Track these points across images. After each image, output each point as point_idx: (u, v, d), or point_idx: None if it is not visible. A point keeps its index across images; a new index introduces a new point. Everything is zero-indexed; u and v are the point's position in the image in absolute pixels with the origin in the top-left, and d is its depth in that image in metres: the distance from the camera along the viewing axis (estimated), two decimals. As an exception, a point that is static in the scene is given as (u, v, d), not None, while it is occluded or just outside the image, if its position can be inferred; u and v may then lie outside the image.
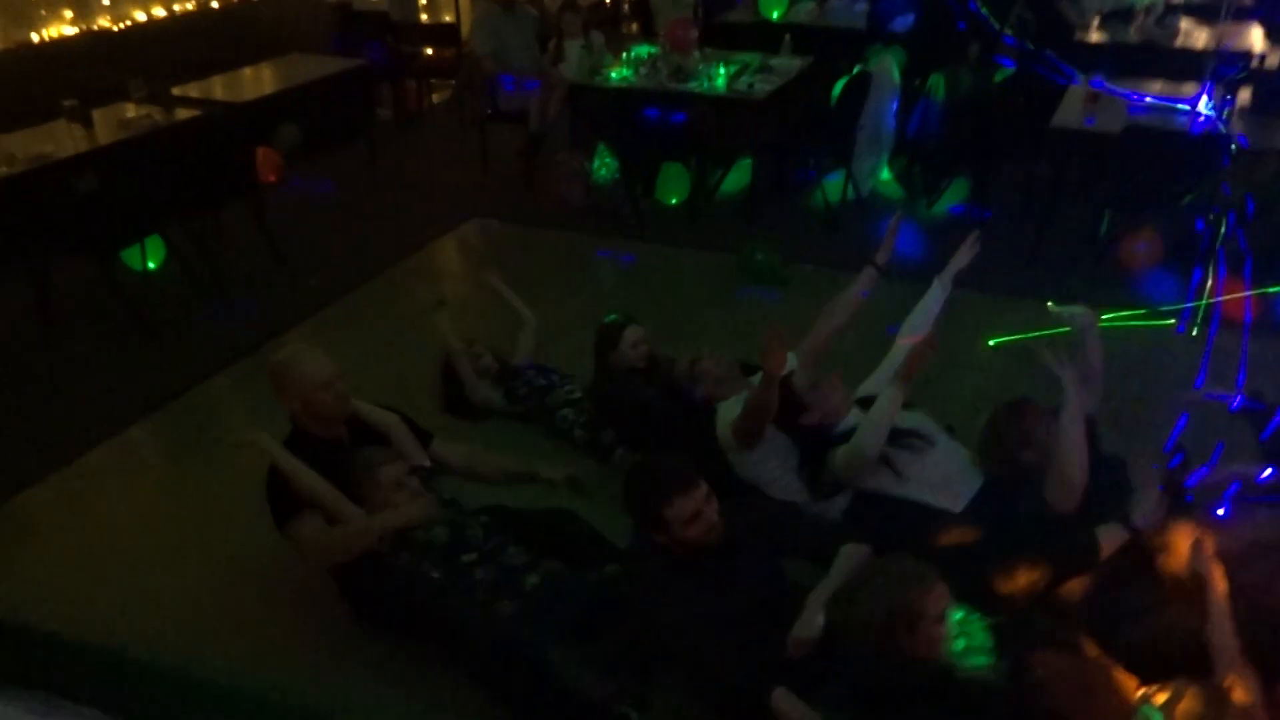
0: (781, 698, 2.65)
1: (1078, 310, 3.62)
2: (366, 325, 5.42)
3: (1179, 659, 2.83)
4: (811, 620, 2.84)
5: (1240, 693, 2.60)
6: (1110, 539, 3.04)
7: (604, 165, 7.12)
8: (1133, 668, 2.79)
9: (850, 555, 3.00)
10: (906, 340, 3.74)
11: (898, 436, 3.48)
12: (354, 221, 6.85)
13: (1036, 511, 3.22)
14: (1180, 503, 3.17)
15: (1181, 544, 3.04)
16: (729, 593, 2.91)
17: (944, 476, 3.46)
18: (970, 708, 2.58)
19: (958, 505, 3.42)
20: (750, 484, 3.69)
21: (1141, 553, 3.08)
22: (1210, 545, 2.91)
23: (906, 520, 3.39)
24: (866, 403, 3.67)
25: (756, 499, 3.62)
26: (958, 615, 2.72)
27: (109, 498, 4.17)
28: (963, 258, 3.92)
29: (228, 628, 3.37)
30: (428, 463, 3.55)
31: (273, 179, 6.87)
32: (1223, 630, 2.79)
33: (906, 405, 3.57)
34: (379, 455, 3.35)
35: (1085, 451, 3.17)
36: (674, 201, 7.04)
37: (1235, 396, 3.56)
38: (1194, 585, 2.92)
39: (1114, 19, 7.94)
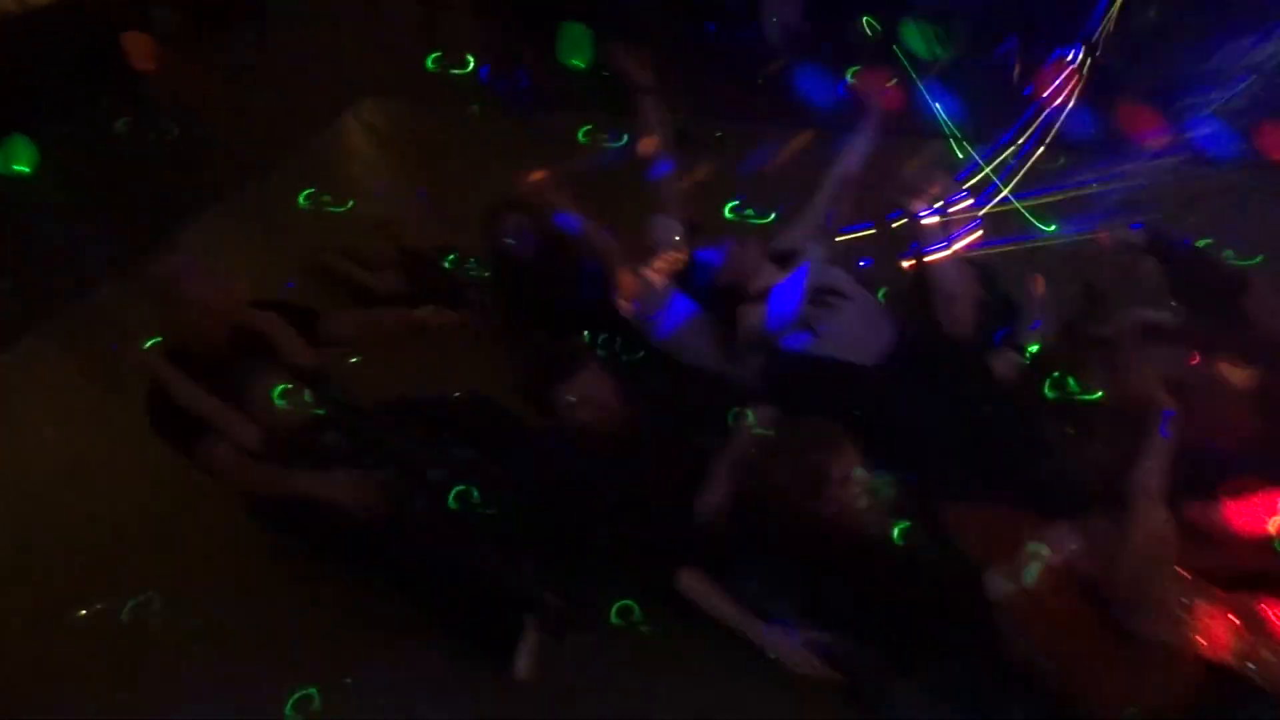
0: (689, 579, 2.59)
1: None
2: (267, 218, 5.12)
3: (1092, 495, 2.82)
4: (715, 486, 2.76)
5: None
6: (1004, 364, 3.10)
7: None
8: (1045, 505, 2.77)
9: (758, 415, 2.91)
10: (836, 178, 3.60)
11: (814, 294, 3.36)
12: (245, 106, 6.43)
13: (932, 336, 3.23)
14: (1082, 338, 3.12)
15: (1137, 374, 3.01)
16: (635, 474, 2.81)
17: (859, 332, 3.36)
18: (881, 565, 2.53)
19: (873, 359, 3.33)
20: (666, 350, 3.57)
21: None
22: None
23: (823, 377, 3.30)
24: (783, 257, 3.54)
25: (668, 369, 3.50)
26: (862, 473, 2.64)
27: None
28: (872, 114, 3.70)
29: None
30: (312, 358, 3.34)
31: (150, 67, 6.39)
32: (1154, 466, 2.76)
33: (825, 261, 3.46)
34: (253, 371, 3.14)
35: (959, 267, 3.18)
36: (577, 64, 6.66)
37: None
38: (1139, 414, 2.90)
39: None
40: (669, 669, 2.73)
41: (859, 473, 2.61)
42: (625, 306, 3.47)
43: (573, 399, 2.76)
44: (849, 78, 3.81)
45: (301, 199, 4.80)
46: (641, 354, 3.48)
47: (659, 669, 2.73)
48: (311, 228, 4.73)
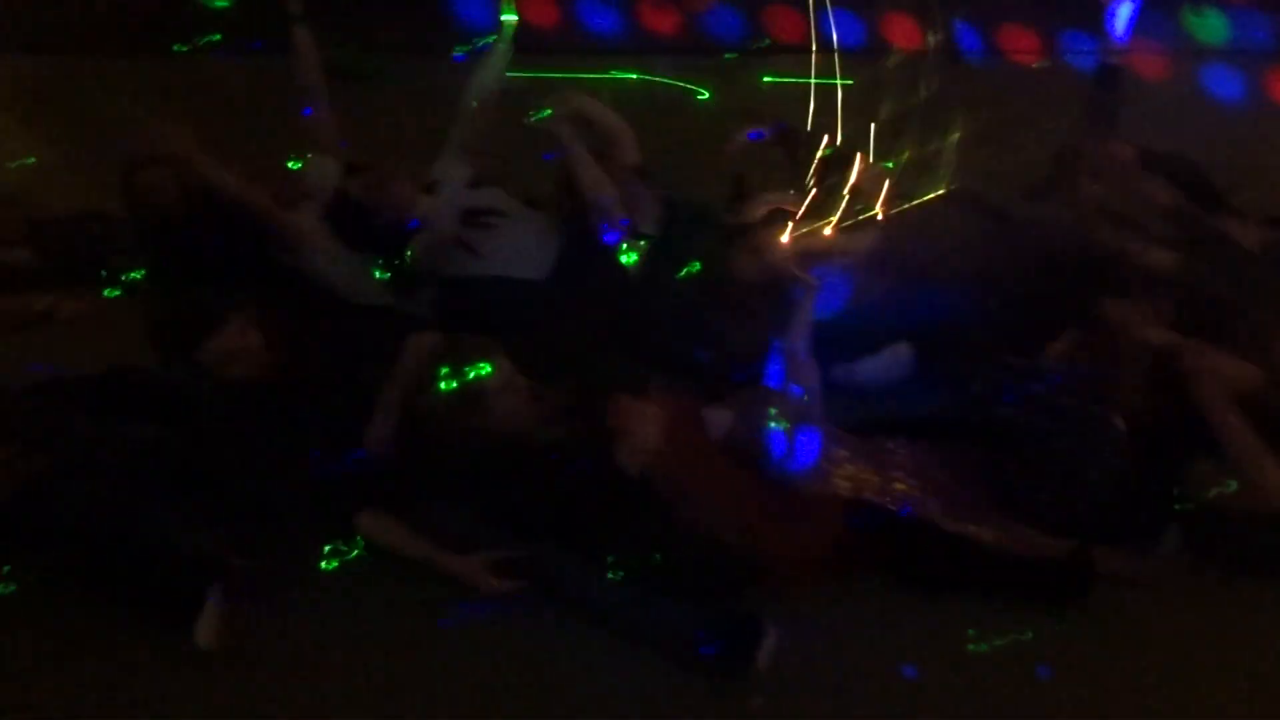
0: (366, 520, 2.59)
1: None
2: None
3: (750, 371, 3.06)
4: (382, 419, 2.75)
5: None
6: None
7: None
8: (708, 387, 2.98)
9: (416, 345, 2.90)
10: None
11: (471, 216, 3.36)
12: None
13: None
14: None
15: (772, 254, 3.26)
16: (307, 421, 2.75)
17: (523, 247, 3.41)
18: (552, 470, 2.62)
19: (542, 272, 3.40)
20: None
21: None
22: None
23: (493, 297, 3.34)
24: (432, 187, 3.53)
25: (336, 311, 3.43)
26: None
27: None
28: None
29: None
30: None
31: None
32: (798, 331, 3.00)
33: (478, 183, 3.46)
34: None
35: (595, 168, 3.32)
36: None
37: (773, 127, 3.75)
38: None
39: None
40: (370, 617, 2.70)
41: (518, 380, 2.67)
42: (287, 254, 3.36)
43: (219, 355, 2.65)
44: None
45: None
46: (306, 299, 3.38)
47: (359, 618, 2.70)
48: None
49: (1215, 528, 2.66)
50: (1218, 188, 3.71)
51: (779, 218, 3.31)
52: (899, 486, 2.80)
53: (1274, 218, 3.61)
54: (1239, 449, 2.58)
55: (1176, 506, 2.67)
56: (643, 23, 6.07)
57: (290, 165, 3.79)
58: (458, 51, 3.53)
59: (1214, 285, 3.03)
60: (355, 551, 2.67)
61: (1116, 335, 2.83)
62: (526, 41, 3.83)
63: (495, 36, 3.63)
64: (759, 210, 3.40)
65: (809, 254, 3.26)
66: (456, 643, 2.56)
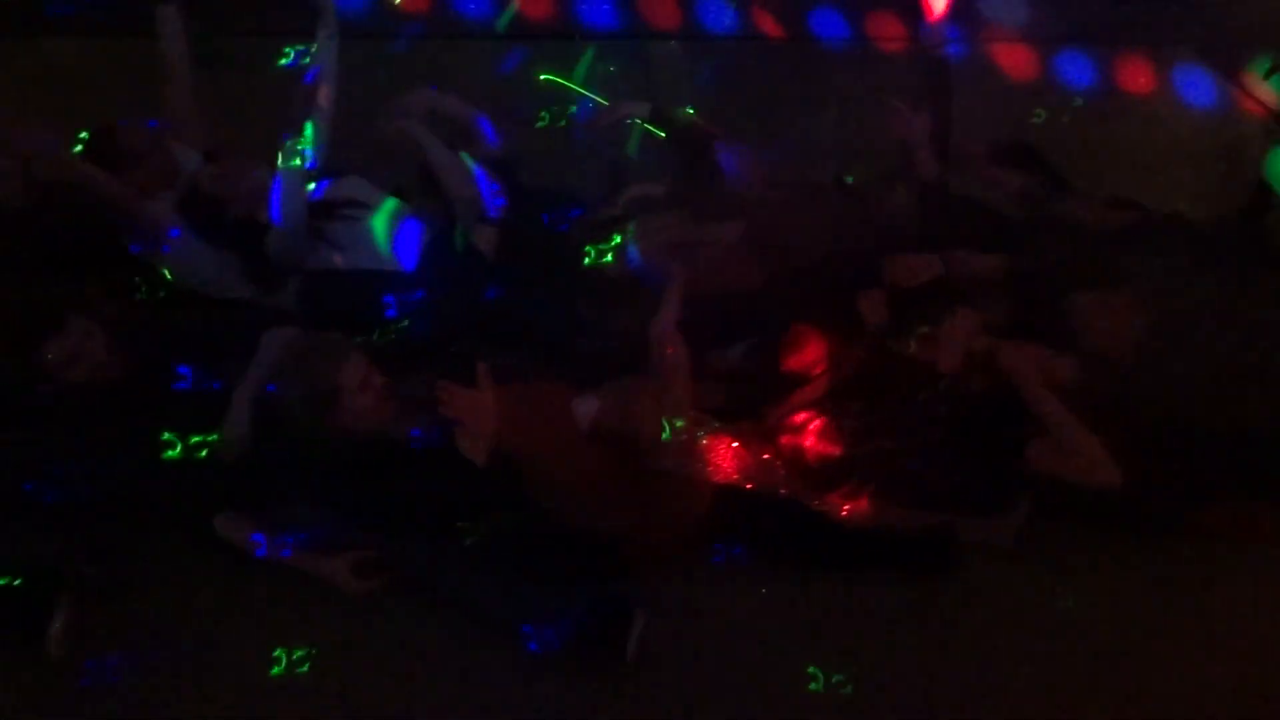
0: (224, 524, 2.52)
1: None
2: None
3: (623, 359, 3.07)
4: (235, 418, 2.68)
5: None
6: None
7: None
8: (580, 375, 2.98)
9: (270, 341, 2.84)
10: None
11: (331, 208, 3.29)
12: None
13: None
14: None
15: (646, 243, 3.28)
16: (149, 421, 2.66)
17: (388, 238, 3.35)
18: (411, 465, 2.60)
19: (409, 263, 3.35)
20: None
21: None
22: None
23: (358, 291, 3.27)
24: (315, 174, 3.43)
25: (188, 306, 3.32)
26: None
27: None
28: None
29: None
30: None
31: None
32: (667, 316, 3.02)
33: (340, 173, 3.39)
34: None
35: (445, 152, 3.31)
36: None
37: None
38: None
39: None
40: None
41: (375, 376, 2.63)
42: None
43: (60, 358, 2.54)
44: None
45: None
46: (161, 294, 3.26)
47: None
48: None
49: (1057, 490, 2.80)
50: (1062, 172, 3.88)
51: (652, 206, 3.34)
52: (769, 468, 2.85)
53: (1119, 199, 3.78)
54: (1061, 433, 2.74)
55: (1022, 474, 2.79)
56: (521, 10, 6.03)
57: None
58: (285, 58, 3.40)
59: (1050, 267, 3.17)
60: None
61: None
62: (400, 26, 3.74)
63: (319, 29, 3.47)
64: (630, 199, 3.41)
65: (678, 243, 3.29)
66: (320, 638, 2.53)
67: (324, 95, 3.42)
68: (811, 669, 2.50)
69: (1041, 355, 2.86)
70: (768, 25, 5.89)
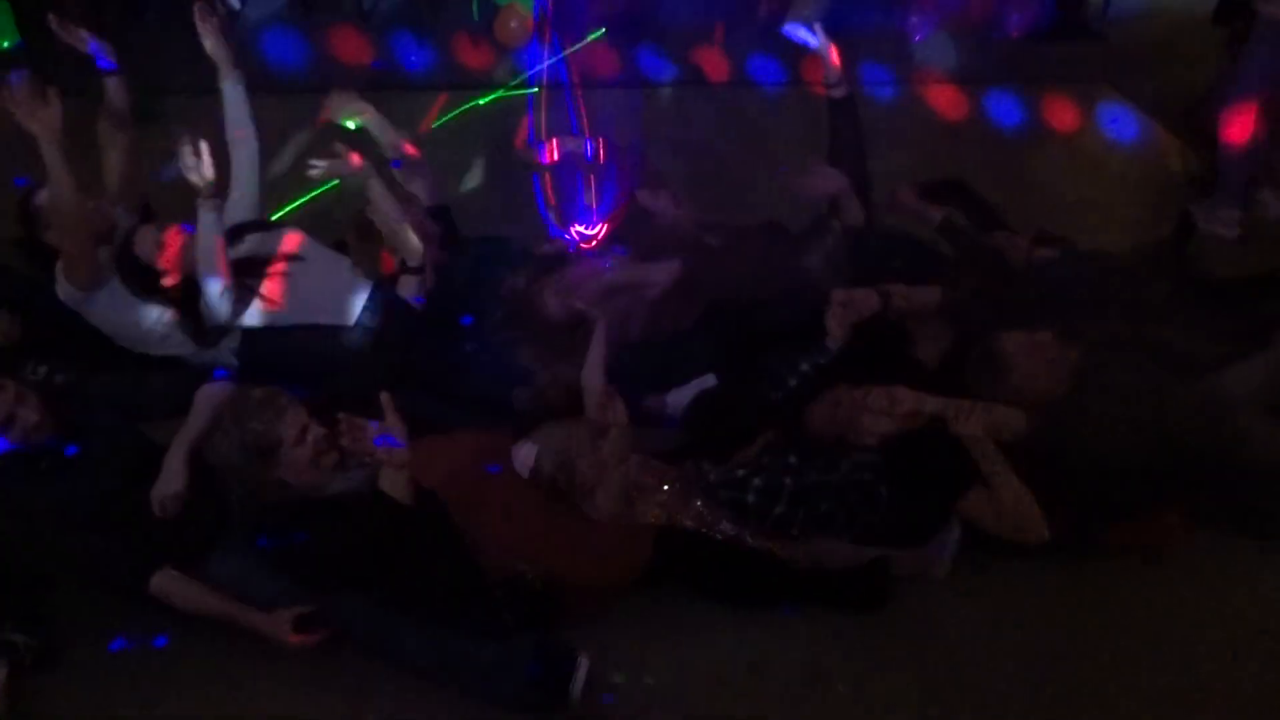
0: (163, 581, 2.49)
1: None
2: None
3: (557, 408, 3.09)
4: (170, 475, 2.66)
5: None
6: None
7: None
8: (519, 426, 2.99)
9: (205, 397, 2.83)
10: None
11: (261, 264, 3.29)
12: None
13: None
14: None
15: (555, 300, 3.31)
16: (83, 482, 2.63)
17: (327, 291, 3.36)
18: (346, 518, 2.59)
19: (349, 317, 3.36)
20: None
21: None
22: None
23: (298, 346, 3.28)
24: (251, 228, 3.44)
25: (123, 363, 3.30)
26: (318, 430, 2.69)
27: None
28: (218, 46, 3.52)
29: None
30: None
31: None
32: (594, 363, 3.06)
33: (269, 226, 3.40)
34: None
35: (396, 204, 3.30)
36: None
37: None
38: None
39: None
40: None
41: (314, 430, 2.64)
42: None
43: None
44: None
45: None
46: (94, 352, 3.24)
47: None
48: None
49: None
50: (993, 207, 3.99)
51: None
52: (706, 510, 2.87)
53: (1045, 234, 3.89)
54: (1002, 495, 2.79)
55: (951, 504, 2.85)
56: (458, 58, 6.12)
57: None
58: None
59: (979, 303, 3.25)
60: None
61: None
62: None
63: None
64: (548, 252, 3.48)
65: (611, 287, 3.34)
66: (263, 695, 2.50)
67: (245, 146, 3.44)
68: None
69: (994, 413, 2.89)
70: (706, 70, 6.03)
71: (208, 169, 3.04)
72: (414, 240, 3.28)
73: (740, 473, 2.88)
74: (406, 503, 2.44)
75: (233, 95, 3.49)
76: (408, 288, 3.29)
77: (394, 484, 2.45)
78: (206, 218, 3.05)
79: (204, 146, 3.06)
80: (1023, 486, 2.77)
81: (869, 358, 3.17)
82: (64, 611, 2.67)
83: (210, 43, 3.44)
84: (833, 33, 3.81)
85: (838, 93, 3.81)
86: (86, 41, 3.47)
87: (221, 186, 3.25)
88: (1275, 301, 3.57)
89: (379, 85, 5.10)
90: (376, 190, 3.25)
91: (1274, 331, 3.29)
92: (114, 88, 3.56)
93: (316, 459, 2.63)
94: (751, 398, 3.17)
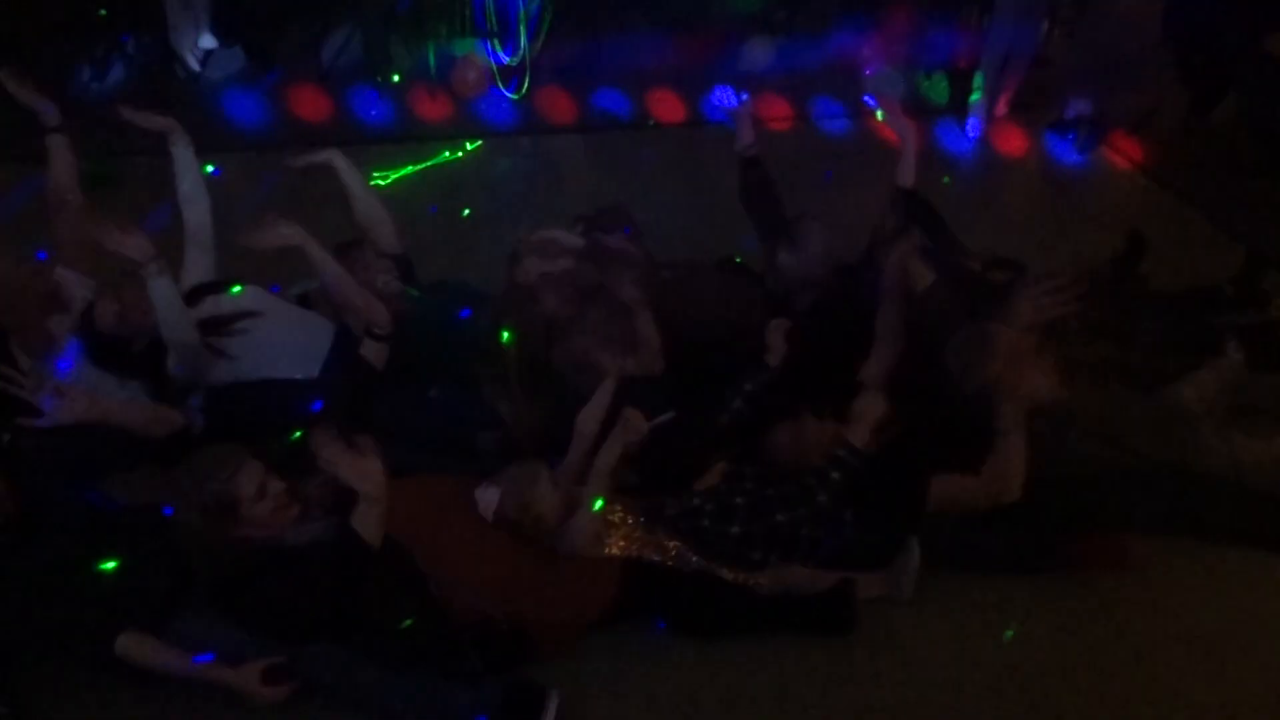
0: (127, 644, 2.47)
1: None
2: None
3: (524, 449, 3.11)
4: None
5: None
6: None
7: None
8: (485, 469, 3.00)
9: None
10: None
11: (223, 322, 3.30)
12: None
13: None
14: None
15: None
16: (42, 552, 2.61)
17: (288, 344, 3.37)
18: (307, 566, 2.59)
19: (313, 368, 3.37)
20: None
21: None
22: None
23: (262, 400, 3.27)
24: (207, 289, 3.45)
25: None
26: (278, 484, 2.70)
27: None
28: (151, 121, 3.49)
29: None
30: None
31: None
32: (594, 408, 3.04)
33: (228, 283, 3.41)
34: None
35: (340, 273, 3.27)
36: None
37: None
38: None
39: None
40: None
41: (274, 483, 2.64)
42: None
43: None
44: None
45: None
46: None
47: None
48: None
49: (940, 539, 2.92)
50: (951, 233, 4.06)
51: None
52: (672, 543, 2.90)
53: (999, 258, 3.96)
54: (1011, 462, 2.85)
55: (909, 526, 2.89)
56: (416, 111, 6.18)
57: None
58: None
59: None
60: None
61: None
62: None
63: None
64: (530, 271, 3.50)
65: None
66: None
67: (196, 207, 3.46)
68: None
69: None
70: (659, 112, 6.13)
71: (134, 242, 2.95)
72: (378, 310, 3.26)
73: (695, 500, 2.92)
74: (374, 543, 2.44)
75: (181, 158, 3.48)
76: (372, 352, 3.27)
77: (367, 520, 2.46)
78: (156, 285, 2.98)
79: (128, 221, 3.01)
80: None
81: (811, 373, 3.22)
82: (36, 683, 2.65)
83: (26, 99, 3.39)
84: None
85: (750, 153, 3.90)
86: (41, 99, 3.41)
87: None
88: (1222, 312, 3.66)
89: (339, 141, 5.16)
90: (317, 258, 3.23)
91: (1223, 341, 3.37)
92: (58, 148, 3.46)
93: (278, 512, 2.63)
94: (700, 425, 3.20)
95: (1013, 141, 5.92)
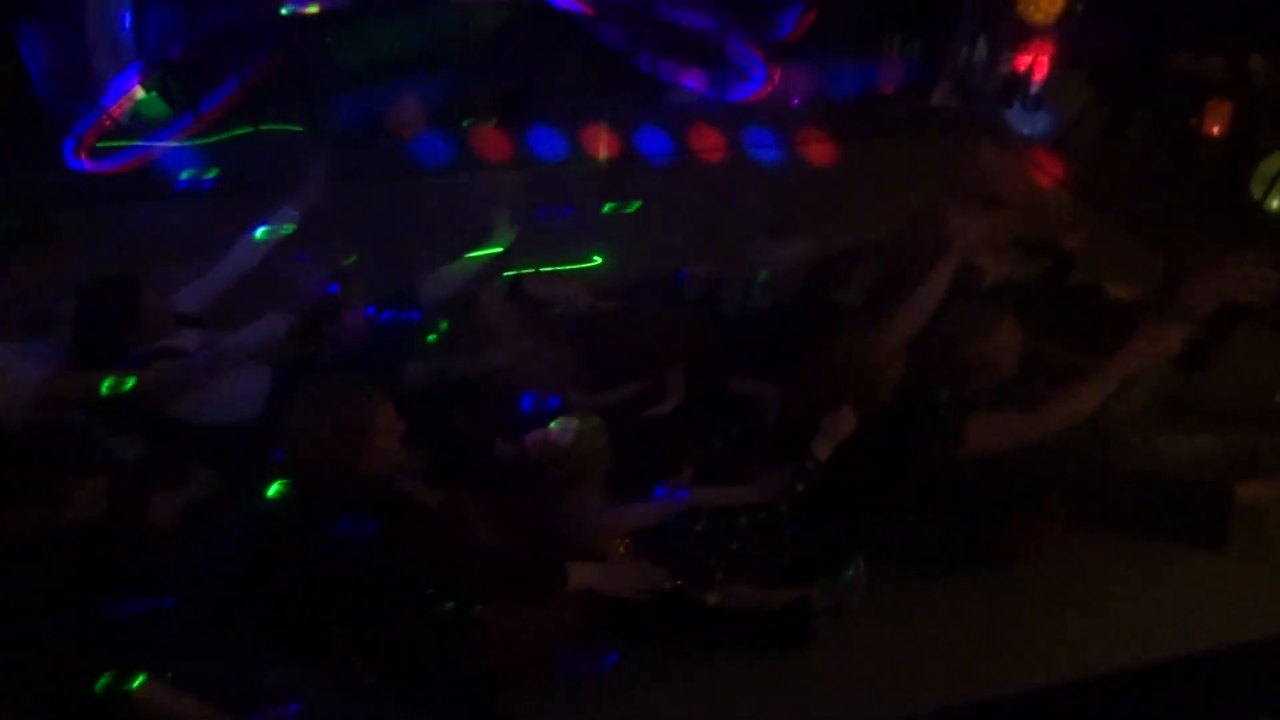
0: (149, 691, 2.39)
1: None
2: None
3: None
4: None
5: None
6: None
7: None
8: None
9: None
10: None
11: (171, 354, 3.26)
12: None
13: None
14: None
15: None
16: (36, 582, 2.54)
17: (231, 387, 3.34)
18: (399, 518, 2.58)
19: (256, 409, 3.34)
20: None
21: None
22: None
23: (197, 444, 3.25)
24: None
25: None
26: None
27: None
28: None
29: None
30: None
31: None
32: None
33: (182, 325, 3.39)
34: None
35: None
36: None
37: None
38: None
39: None
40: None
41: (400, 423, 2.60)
42: None
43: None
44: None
45: None
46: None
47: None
48: None
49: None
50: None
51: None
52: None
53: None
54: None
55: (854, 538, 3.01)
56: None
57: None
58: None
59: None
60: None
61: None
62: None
63: None
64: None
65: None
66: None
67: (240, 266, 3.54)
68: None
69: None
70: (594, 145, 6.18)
71: None
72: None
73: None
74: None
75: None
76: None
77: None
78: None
79: None
80: None
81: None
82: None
83: None
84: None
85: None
86: None
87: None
88: (1146, 312, 3.79)
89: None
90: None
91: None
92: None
93: (397, 451, 2.59)
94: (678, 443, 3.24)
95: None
